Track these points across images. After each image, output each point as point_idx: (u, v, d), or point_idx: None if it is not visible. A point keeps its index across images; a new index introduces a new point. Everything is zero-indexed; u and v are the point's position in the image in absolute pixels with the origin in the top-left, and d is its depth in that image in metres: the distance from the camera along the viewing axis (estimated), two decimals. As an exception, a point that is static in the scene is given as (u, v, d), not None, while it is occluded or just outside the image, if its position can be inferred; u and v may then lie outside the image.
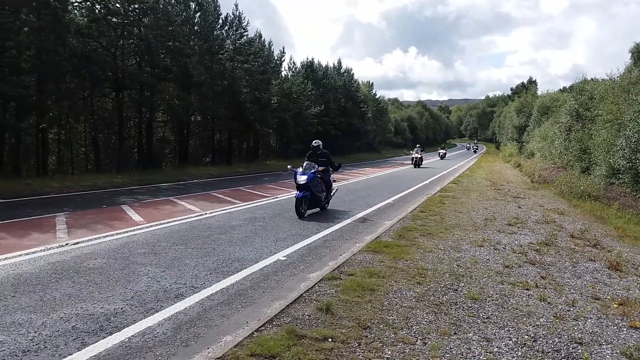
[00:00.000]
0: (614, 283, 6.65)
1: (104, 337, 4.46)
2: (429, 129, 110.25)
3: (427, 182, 22.92)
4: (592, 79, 26.76)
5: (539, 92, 53.90)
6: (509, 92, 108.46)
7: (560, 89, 49.06)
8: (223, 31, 31.03)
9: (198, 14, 28.73)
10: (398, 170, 32.15)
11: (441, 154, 52.28)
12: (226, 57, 30.15)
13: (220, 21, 30.60)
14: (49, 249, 7.74)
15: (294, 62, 46.10)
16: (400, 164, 40.61)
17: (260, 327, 4.58)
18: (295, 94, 37.03)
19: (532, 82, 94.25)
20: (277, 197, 15.28)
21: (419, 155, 36.60)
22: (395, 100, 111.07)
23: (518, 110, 51.61)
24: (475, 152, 73.59)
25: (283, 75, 40.85)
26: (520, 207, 13.87)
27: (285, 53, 40.03)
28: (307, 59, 46.55)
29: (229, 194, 16.24)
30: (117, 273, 6.50)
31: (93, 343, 4.34)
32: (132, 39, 24.54)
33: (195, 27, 28.70)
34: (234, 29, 31.55)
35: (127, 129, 27.77)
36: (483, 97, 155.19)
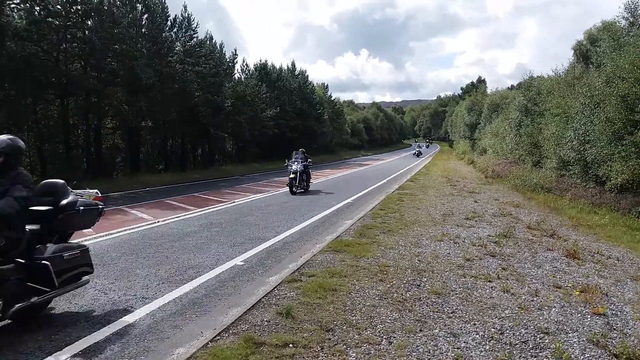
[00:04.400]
0: (573, 271, 6.69)
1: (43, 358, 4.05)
2: (384, 129, 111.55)
3: (384, 181, 22.99)
4: (538, 76, 27.58)
5: (488, 91, 55.35)
6: (460, 92, 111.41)
7: (509, 87, 50.50)
8: (172, 33, 30.07)
9: (145, 15, 27.61)
10: (356, 171, 32.21)
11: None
12: (176, 60, 29.22)
13: (169, 23, 29.64)
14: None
15: (247, 65, 45.54)
16: (359, 165, 40.74)
17: (215, 337, 4.28)
18: (249, 96, 36.40)
19: (481, 82, 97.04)
20: (234, 202, 14.85)
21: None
22: (351, 102, 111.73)
23: (469, 109, 52.81)
24: (418, 155, 55.99)
25: (236, 78, 40.14)
26: (476, 202, 14.02)
27: (237, 55, 39.46)
28: (260, 61, 46.12)
29: (183, 200, 15.69)
30: (60, 287, 6.00)
31: (29, 366, 3.92)
32: (75, 42, 23.35)
33: (143, 30, 27.66)
34: (184, 30, 30.69)
35: (74, 137, 26.47)
36: (435, 98, 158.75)
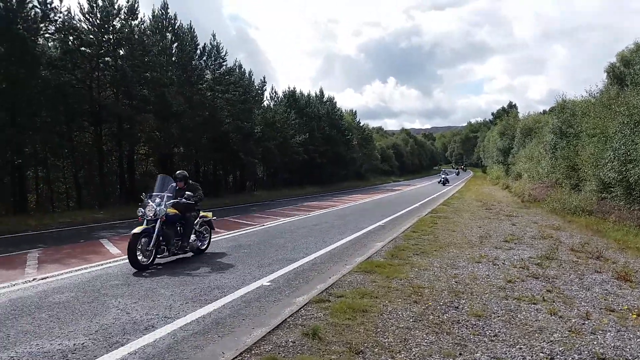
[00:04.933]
0: (626, 294, 6.15)
1: (56, 378, 3.84)
2: (414, 155, 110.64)
3: (417, 205, 22.47)
4: (571, 100, 26.85)
5: (520, 116, 54.31)
6: (490, 117, 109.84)
7: (541, 112, 49.38)
8: (202, 61, 30.66)
9: (175, 44, 28.29)
10: (387, 196, 31.72)
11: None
12: (206, 87, 29.68)
13: (199, 51, 30.27)
14: (14, 285, 7.08)
15: (275, 92, 45.88)
16: (390, 190, 40.21)
17: (236, 357, 3.99)
18: (278, 122, 36.64)
19: (512, 107, 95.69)
20: (263, 225, 14.67)
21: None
22: (380, 129, 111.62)
23: (501, 133, 51.81)
24: (444, 184, 46.49)
25: (265, 104, 40.53)
26: (514, 225, 13.44)
27: (266, 82, 39.71)
28: (289, 88, 46.53)
29: (214, 224, 15.57)
30: (83, 306, 5.86)
31: (41, 385, 3.72)
32: (107, 70, 24.06)
33: (173, 58, 28.31)
34: (213, 58, 31.25)
35: (108, 164, 26.99)
36: (465, 124, 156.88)
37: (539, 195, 22.63)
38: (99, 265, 8.58)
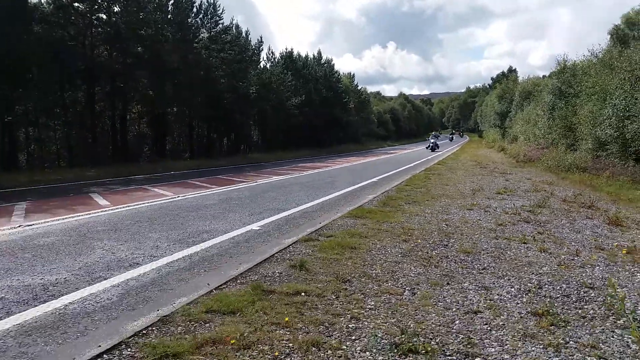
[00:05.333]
0: (617, 236, 6.11)
1: (35, 306, 3.77)
2: (411, 120, 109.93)
3: (410, 165, 22.38)
4: (572, 61, 26.42)
5: (519, 79, 53.70)
6: (490, 82, 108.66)
7: (541, 77, 48.80)
8: (197, 19, 29.99)
9: (171, 1, 27.58)
10: (382, 158, 31.60)
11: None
12: (201, 46, 29.10)
13: (195, 9, 29.58)
14: (-2, 231, 6.98)
15: (272, 53, 44.99)
16: (385, 153, 40.04)
17: (221, 285, 3.92)
18: (274, 84, 36.10)
19: (512, 71, 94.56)
20: (256, 182, 14.56)
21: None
22: (378, 94, 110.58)
23: (500, 97, 51.28)
24: (433, 149, 38.90)
25: (262, 66, 39.85)
26: (507, 180, 13.37)
27: (263, 43, 38.71)
28: (287, 49, 45.70)
29: (205, 181, 15.46)
30: (68, 248, 5.78)
31: (19, 312, 3.64)
32: (101, 27, 23.45)
33: (169, 16, 27.60)
34: (209, 17, 30.54)
35: (100, 124, 26.63)
36: (464, 90, 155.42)
37: (534, 156, 22.55)
38: (86, 214, 8.47)
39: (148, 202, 9.90)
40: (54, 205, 10.01)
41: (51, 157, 26.90)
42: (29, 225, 7.37)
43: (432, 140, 40.62)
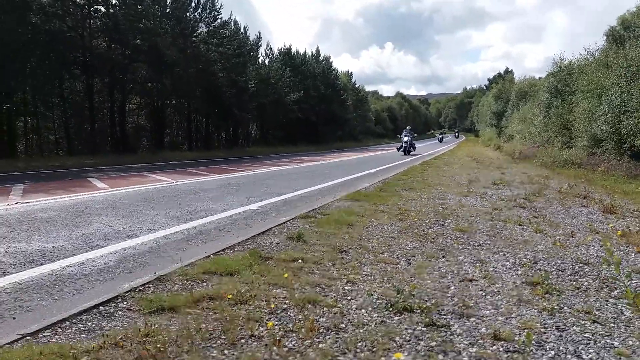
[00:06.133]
0: (612, 222, 6.15)
1: (31, 268, 3.79)
2: (408, 119, 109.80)
3: (408, 159, 22.42)
4: (568, 60, 26.51)
5: (516, 80, 53.81)
6: (486, 84, 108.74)
7: (537, 79, 48.92)
8: (196, 14, 29.92)
9: (169, -5, 27.52)
10: (379, 153, 31.64)
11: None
12: (200, 40, 29.01)
13: (193, 4, 29.50)
14: (-5, 207, 6.96)
15: (271, 49, 44.93)
16: (382, 150, 40.09)
17: (219, 252, 3.95)
18: (273, 79, 36.07)
19: (508, 72, 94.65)
20: (254, 171, 14.57)
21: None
22: (375, 92, 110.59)
23: (496, 97, 51.37)
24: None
25: (260, 61, 39.80)
26: (503, 174, 13.43)
27: (261, 39, 38.86)
28: (285, 46, 45.65)
29: (204, 169, 15.46)
30: (65, 221, 5.79)
31: (16, 272, 3.66)
32: (99, 19, 23.34)
33: (167, 10, 27.52)
34: (207, 11, 30.46)
35: (100, 114, 26.51)
36: (461, 91, 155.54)
37: (529, 153, 22.63)
38: (84, 195, 8.47)
39: (146, 186, 9.92)
40: (52, 187, 9.99)
41: (50, 147, 26.81)
42: (26, 202, 7.36)
43: (406, 139, 27.34)
